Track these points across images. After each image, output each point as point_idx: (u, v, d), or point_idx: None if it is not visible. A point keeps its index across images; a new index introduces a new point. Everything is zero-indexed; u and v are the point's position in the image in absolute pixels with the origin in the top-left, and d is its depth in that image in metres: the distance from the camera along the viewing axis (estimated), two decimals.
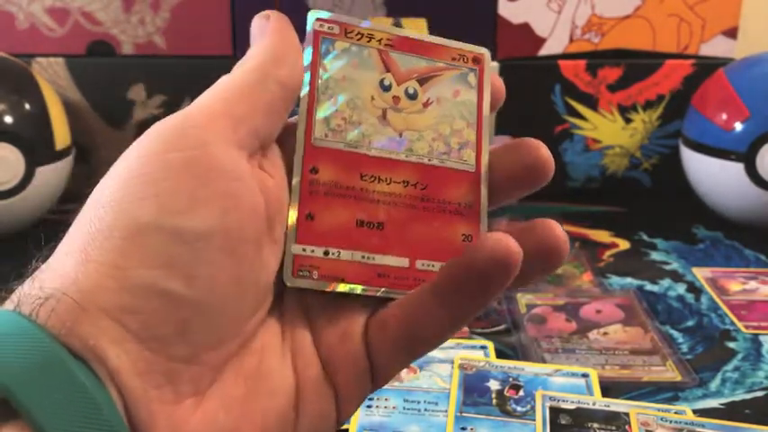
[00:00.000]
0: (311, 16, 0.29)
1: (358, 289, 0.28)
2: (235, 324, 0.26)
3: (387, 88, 0.30)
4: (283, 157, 0.28)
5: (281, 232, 0.27)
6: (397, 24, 0.75)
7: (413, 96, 0.30)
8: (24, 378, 0.21)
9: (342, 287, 0.28)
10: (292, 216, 0.28)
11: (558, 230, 0.27)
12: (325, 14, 0.29)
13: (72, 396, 0.21)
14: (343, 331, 0.28)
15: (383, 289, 0.28)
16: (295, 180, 0.28)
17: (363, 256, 0.28)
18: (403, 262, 0.28)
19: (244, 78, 0.27)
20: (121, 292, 0.23)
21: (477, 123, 0.31)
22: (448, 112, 0.30)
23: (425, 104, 0.30)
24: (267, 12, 0.28)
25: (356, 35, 0.30)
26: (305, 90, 0.29)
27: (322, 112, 0.29)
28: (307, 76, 0.29)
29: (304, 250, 0.27)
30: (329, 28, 0.29)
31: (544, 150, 0.29)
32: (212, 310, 0.24)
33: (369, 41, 0.30)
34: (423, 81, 0.30)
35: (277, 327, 0.28)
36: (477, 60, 0.31)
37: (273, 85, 0.27)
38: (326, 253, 0.28)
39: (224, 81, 0.27)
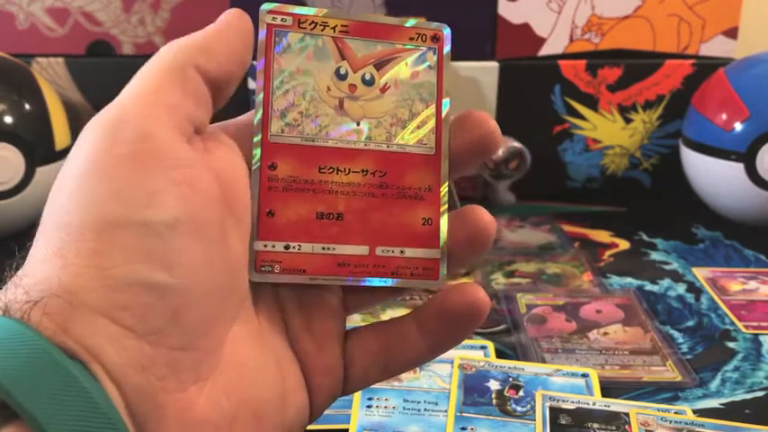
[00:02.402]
0: (263, 9, 0.29)
1: (321, 279, 0.29)
2: (218, 306, 0.26)
3: (343, 77, 0.29)
4: (244, 142, 0.29)
5: (242, 213, 0.28)
6: None
7: (369, 83, 0.30)
8: (22, 380, 0.21)
9: (303, 279, 0.29)
10: (254, 213, 0.28)
11: (485, 216, 0.29)
12: (276, 6, 0.29)
13: (70, 396, 0.22)
14: (320, 340, 0.30)
15: (346, 278, 0.29)
16: (254, 177, 0.28)
17: (324, 248, 0.29)
18: (363, 250, 0.29)
19: (166, 65, 0.27)
20: (110, 291, 0.23)
21: (436, 104, 0.30)
22: (407, 96, 0.30)
23: (383, 90, 0.30)
24: (231, 9, 0.29)
25: (310, 24, 0.29)
26: (260, 85, 0.29)
27: (278, 107, 0.29)
28: (261, 72, 0.29)
29: (265, 246, 0.28)
30: (282, 20, 0.29)
31: (492, 122, 0.30)
32: (196, 294, 0.25)
33: (323, 30, 0.29)
34: (380, 66, 0.30)
35: (256, 322, 0.29)
36: (435, 38, 0.31)
37: (194, 71, 0.27)
38: (287, 247, 0.28)
39: (150, 67, 0.27)
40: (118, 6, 0.78)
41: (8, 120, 0.65)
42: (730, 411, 0.46)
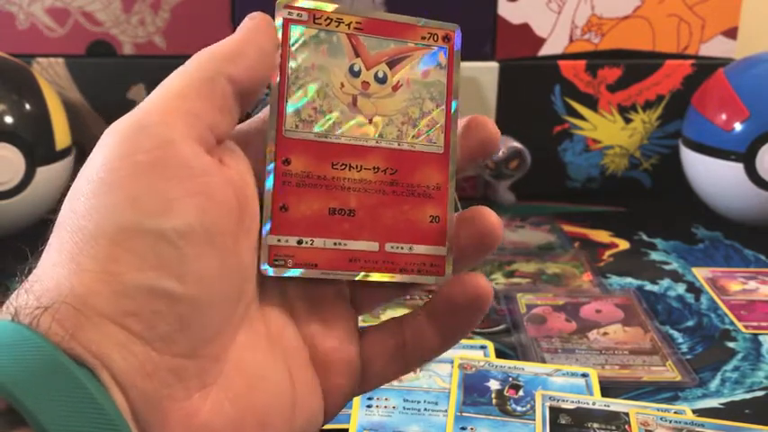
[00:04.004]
0: (279, 3, 0.29)
1: (332, 274, 0.29)
2: (225, 314, 0.26)
3: (356, 74, 0.30)
4: (248, 151, 0.29)
5: (251, 223, 0.28)
6: None
7: (382, 80, 0.30)
8: (30, 385, 0.21)
9: (315, 273, 0.29)
10: (267, 207, 0.28)
11: (492, 217, 0.30)
12: (292, 1, 0.29)
13: (77, 401, 0.22)
14: (338, 339, 0.30)
15: (357, 273, 0.29)
16: (269, 172, 0.29)
17: (335, 243, 0.29)
18: (373, 246, 0.30)
19: (195, 74, 0.27)
20: (120, 297, 0.23)
21: (446, 104, 0.31)
22: (417, 95, 0.30)
23: (395, 88, 0.30)
24: (254, 13, 0.29)
25: (325, 20, 0.29)
26: (275, 80, 0.29)
27: (293, 102, 0.29)
28: (276, 66, 0.29)
29: (279, 240, 0.28)
30: (298, 15, 0.29)
31: (492, 126, 0.31)
32: (205, 302, 0.25)
33: (338, 26, 0.30)
34: (392, 64, 0.30)
35: (261, 325, 0.28)
36: (447, 38, 0.31)
37: (224, 81, 0.27)
38: (300, 242, 0.29)
39: (177, 75, 0.27)
40: (118, 6, 0.78)
41: (8, 120, 0.65)
42: (730, 411, 0.46)
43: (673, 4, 0.81)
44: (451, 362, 0.49)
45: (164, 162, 0.25)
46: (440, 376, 0.48)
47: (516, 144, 0.78)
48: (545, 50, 0.82)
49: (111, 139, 0.25)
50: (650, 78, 0.82)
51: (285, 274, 0.29)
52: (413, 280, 0.30)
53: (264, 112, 0.30)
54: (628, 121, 0.83)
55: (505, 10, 0.80)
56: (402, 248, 0.30)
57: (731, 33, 0.83)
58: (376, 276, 0.30)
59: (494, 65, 0.81)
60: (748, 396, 0.48)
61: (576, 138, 0.83)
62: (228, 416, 0.26)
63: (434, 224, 0.30)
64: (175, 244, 0.24)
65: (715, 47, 0.83)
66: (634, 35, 0.82)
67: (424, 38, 0.31)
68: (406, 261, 0.30)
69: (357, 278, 0.29)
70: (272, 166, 0.29)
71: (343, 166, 0.29)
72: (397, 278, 0.30)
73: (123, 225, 0.24)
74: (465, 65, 0.80)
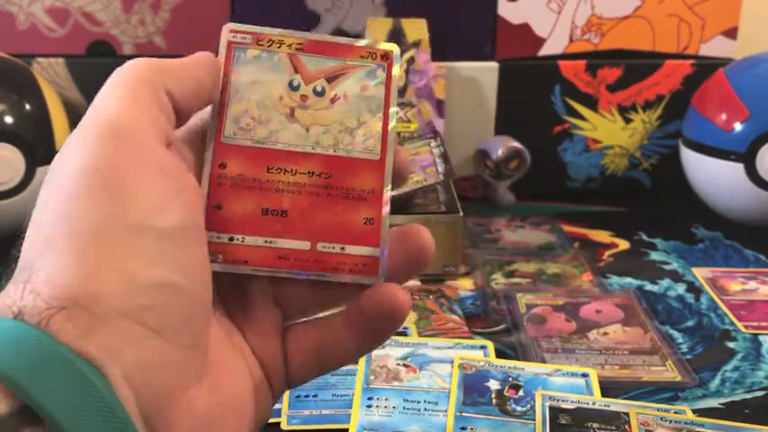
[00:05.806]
0: (225, 28, 0.32)
1: (262, 271, 0.30)
2: (210, 306, 0.28)
3: (295, 88, 0.32)
4: (195, 155, 0.30)
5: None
6: (397, 25, 0.75)
7: (320, 94, 0.32)
8: (43, 384, 0.22)
9: (245, 269, 0.30)
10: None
11: (425, 235, 0.31)
12: (238, 26, 0.32)
13: (88, 400, 0.22)
14: (262, 334, 0.31)
15: (286, 270, 0.31)
16: (205, 174, 0.30)
17: (266, 241, 0.30)
18: (304, 245, 0.31)
19: (144, 81, 0.28)
20: (134, 293, 0.24)
21: (383, 115, 0.32)
22: (355, 107, 0.32)
23: (333, 100, 0.32)
24: (204, 52, 0.30)
25: (267, 42, 0.32)
26: (217, 94, 0.31)
27: (232, 113, 0.31)
28: (219, 83, 0.31)
29: (211, 237, 0.30)
30: (242, 38, 0.32)
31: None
32: (201, 294, 0.27)
33: (279, 47, 0.32)
34: (331, 79, 0.32)
35: (215, 319, 0.30)
36: (385, 57, 0.33)
37: (164, 94, 0.28)
38: (231, 239, 0.30)
39: (125, 80, 0.28)
40: (118, 6, 0.78)
41: (8, 120, 0.65)
42: (730, 411, 0.46)
43: (673, 4, 0.81)
44: (451, 362, 0.49)
45: (148, 164, 0.26)
46: (440, 376, 0.48)
47: (516, 144, 0.78)
48: (545, 50, 0.82)
49: (88, 140, 0.26)
50: (650, 78, 0.82)
51: (215, 269, 0.30)
52: (344, 279, 0.31)
53: (205, 112, 0.31)
54: (628, 121, 0.83)
55: (505, 10, 0.80)
56: (334, 248, 0.31)
57: (731, 33, 0.83)
58: (306, 274, 0.31)
59: (494, 65, 0.81)
60: (748, 396, 0.48)
61: (576, 138, 0.83)
62: (217, 403, 0.27)
63: (368, 226, 0.31)
64: (175, 240, 0.26)
65: (715, 47, 0.83)
66: (634, 35, 0.82)
67: (362, 56, 0.32)
68: (338, 261, 0.31)
69: (287, 275, 0.30)
70: (208, 168, 0.30)
71: (279, 170, 0.31)
72: (328, 277, 0.31)
73: (125, 224, 0.25)
74: (465, 65, 0.80)
